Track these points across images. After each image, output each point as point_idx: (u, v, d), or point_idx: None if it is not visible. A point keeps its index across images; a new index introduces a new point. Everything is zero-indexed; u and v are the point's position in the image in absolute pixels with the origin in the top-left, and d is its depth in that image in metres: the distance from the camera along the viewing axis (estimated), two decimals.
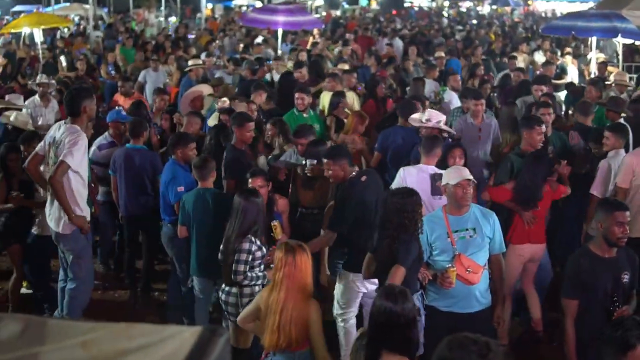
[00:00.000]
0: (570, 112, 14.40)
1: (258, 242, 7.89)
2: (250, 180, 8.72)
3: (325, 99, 14.64)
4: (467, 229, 7.54)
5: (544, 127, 10.15)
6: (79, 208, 8.66)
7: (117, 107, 13.91)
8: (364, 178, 8.74)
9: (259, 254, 7.89)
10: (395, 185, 9.03)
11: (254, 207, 7.88)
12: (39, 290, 10.46)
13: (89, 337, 2.72)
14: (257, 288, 7.82)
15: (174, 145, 9.89)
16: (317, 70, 17.53)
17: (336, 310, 8.70)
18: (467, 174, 7.62)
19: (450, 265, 7.28)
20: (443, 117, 10.88)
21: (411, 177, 9.32)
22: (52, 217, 8.73)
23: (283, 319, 6.31)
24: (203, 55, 21.11)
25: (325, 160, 8.77)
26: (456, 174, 7.64)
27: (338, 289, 8.71)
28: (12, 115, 12.20)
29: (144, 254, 11.21)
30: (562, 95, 16.95)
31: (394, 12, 54.69)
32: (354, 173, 8.78)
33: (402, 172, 9.54)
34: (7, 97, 14.27)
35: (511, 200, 9.26)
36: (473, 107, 12.20)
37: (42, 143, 8.99)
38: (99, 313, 10.43)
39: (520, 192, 9.21)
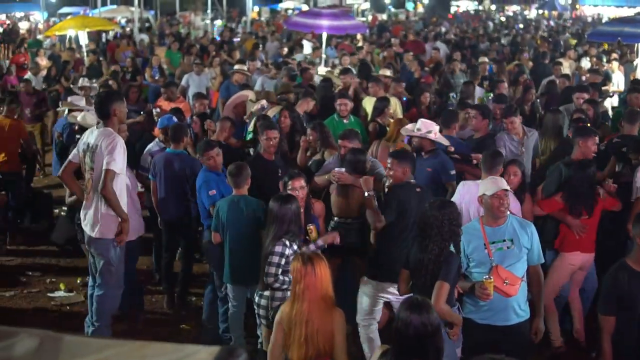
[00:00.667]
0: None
1: (295, 247, 7.81)
2: (289, 182, 8.62)
3: (368, 104, 14.51)
4: (504, 240, 7.40)
5: (598, 137, 10.01)
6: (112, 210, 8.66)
7: (156, 110, 14.08)
8: (419, 189, 8.73)
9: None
10: (453, 199, 8.85)
11: (288, 212, 7.82)
12: None
13: (104, 355, 2.70)
14: (289, 293, 7.71)
15: (201, 153, 9.94)
16: (366, 74, 17.35)
17: (359, 317, 8.70)
18: (503, 184, 7.50)
19: (487, 276, 7.12)
20: (435, 128, 10.52)
21: (470, 194, 9.01)
22: (88, 222, 8.70)
23: (310, 331, 6.23)
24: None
25: (389, 160, 8.85)
26: (493, 184, 7.51)
27: (361, 296, 8.72)
28: (80, 116, 12.22)
29: (182, 259, 11.20)
30: (607, 103, 16.69)
31: (449, 15, 54.57)
32: (412, 181, 8.84)
33: (461, 187, 9.39)
34: (69, 98, 14.31)
35: (561, 210, 9.15)
36: (510, 126, 11.49)
37: (75, 150, 8.98)
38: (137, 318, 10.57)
39: (570, 201, 9.10)
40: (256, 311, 8.11)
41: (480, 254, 7.40)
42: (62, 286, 11.66)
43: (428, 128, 10.43)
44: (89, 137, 8.65)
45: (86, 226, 8.77)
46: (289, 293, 7.56)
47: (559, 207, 9.21)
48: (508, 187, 7.50)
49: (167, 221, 10.88)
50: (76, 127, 12.49)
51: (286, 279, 7.65)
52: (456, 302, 7.40)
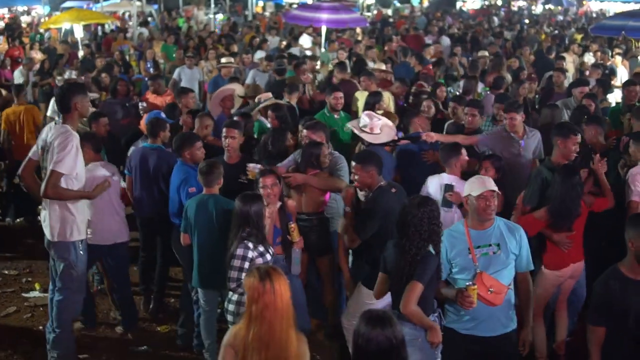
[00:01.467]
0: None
1: (260, 248, 7.45)
2: (260, 179, 8.24)
3: (360, 99, 14.13)
4: (490, 245, 6.89)
5: (579, 136, 9.20)
6: (74, 208, 8.20)
7: (142, 104, 13.70)
8: (394, 190, 8.27)
9: (259, 260, 7.42)
10: (421, 193, 8.58)
11: (250, 212, 7.46)
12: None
13: None
14: None
15: (181, 147, 9.48)
16: (360, 69, 16.93)
17: (345, 317, 8.41)
18: (490, 184, 6.95)
19: (470, 283, 6.63)
20: (374, 123, 10.25)
21: (431, 187, 9.03)
22: (46, 225, 8.25)
23: (270, 356, 5.41)
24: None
25: (353, 164, 8.35)
26: (479, 184, 6.96)
27: (352, 299, 8.36)
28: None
29: (158, 259, 10.68)
30: (612, 98, 16.21)
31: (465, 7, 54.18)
32: (382, 183, 8.30)
33: (427, 180, 9.22)
34: None
35: (546, 227, 8.40)
36: (509, 122, 10.70)
37: (34, 147, 8.53)
38: (110, 321, 10.24)
39: (555, 217, 8.30)
40: (225, 315, 7.71)
41: (464, 259, 6.89)
42: (37, 286, 11.32)
43: (364, 122, 10.27)
44: (47, 134, 8.15)
45: (46, 229, 8.31)
46: None
47: (541, 226, 8.41)
48: (495, 188, 6.94)
49: (143, 218, 10.49)
50: None
51: None
52: (437, 309, 6.94)
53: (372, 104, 12.41)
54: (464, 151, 9.20)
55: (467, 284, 6.62)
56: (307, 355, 5.59)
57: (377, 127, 10.20)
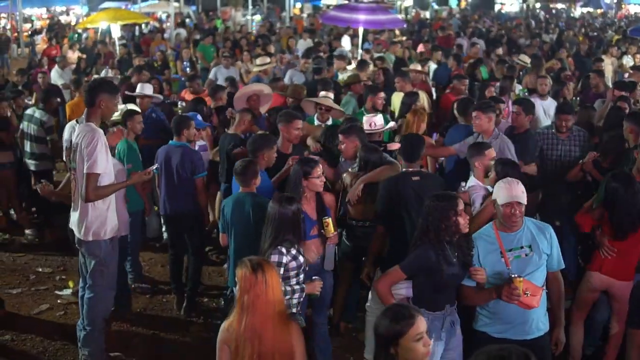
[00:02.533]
0: None
1: (293, 252, 7.29)
2: (312, 171, 8.07)
3: (396, 99, 14.06)
4: (522, 247, 6.77)
5: None
6: (106, 206, 8.14)
7: (182, 103, 13.71)
8: (417, 177, 8.36)
9: (293, 264, 7.25)
10: None
11: (286, 214, 7.26)
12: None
13: None
14: (294, 301, 7.23)
15: (258, 149, 9.20)
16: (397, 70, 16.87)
17: (369, 303, 8.37)
18: (518, 194, 6.76)
19: (515, 275, 6.47)
20: (373, 119, 10.30)
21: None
22: (77, 225, 8.18)
23: (263, 349, 5.41)
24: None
25: (340, 136, 8.95)
26: (507, 193, 6.79)
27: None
28: None
29: (189, 256, 10.68)
30: None
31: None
32: (411, 169, 8.49)
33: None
34: None
35: (599, 225, 8.20)
36: (473, 120, 10.48)
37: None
38: (144, 320, 10.25)
39: (617, 219, 8.00)
40: None
41: (497, 263, 6.77)
42: (71, 284, 11.28)
43: (366, 121, 10.38)
44: (71, 134, 8.09)
45: (75, 228, 8.27)
46: (294, 301, 7.16)
47: (592, 224, 8.27)
48: (522, 200, 6.77)
49: (169, 216, 10.49)
50: None
51: (287, 288, 7.11)
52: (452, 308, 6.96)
53: (409, 104, 12.37)
54: (489, 152, 8.93)
55: (513, 275, 6.47)
56: (301, 345, 5.59)
57: (378, 121, 10.27)
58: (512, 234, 6.81)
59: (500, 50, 22.78)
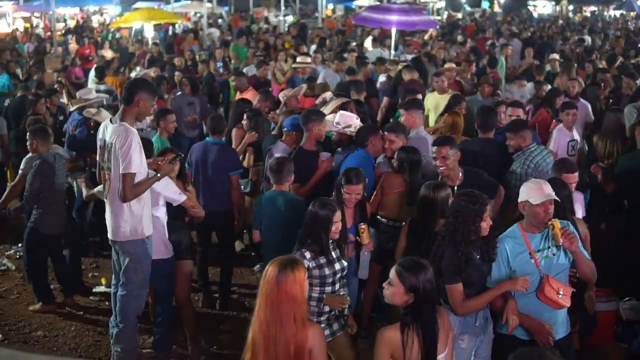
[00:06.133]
0: None
1: (321, 260, 7.02)
2: (345, 186, 7.98)
3: (430, 100, 13.99)
4: (549, 247, 6.73)
5: None
6: (140, 205, 8.07)
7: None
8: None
9: (316, 272, 6.96)
10: None
11: (320, 218, 7.04)
12: None
13: None
14: (312, 308, 6.94)
15: (366, 136, 9.54)
16: (418, 69, 16.81)
17: None
18: (550, 192, 6.73)
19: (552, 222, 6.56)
20: (356, 122, 10.13)
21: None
22: (111, 225, 8.12)
23: (278, 347, 5.30)
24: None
25: (385, 133, 8.87)
26: (538, 191, 6.73)
27: None
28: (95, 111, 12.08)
29: (221, 253, 10.81)
30: None
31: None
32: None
33: None
34: (78, 93, 14.21)
35: None
36: (565, 117, 11.01)
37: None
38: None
39: None
40: None
41: (526, 264, 6.71)
42: (103, 281, 11.34)
43: (347, 122, 10.10)
44: (104, 133, 8.03)
45: (109, 227, 8.21)
46: (310, 308, 6.82)
47: None
48: (554, 196, 6.73)
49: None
50: (92, 123, 12.35)
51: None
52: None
53: (454, 105, 12.46)
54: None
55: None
56: (321, 349, 5.49)
57: (352, 127, 10.11)
58: (539, 234, 6.77)
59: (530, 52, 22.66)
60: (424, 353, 5.54)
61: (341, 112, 10.42)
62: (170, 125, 11.24)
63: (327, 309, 7.02)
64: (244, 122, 11.57)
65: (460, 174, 8.48)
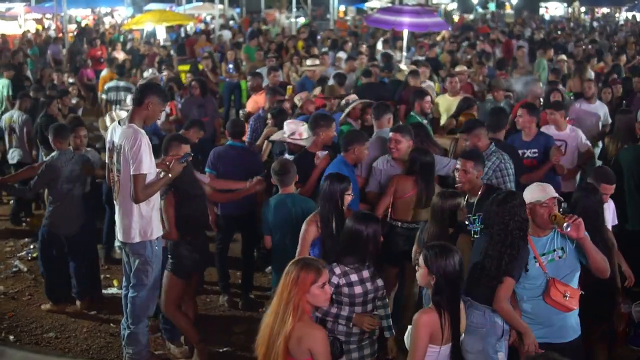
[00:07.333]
0: None
1: (353, 277, 6.70)
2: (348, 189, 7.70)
3: (442, 102, 13.96)
4: (554, 250, 6.73)
5: None
6: (149, 207, 8.06)
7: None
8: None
9: (346, 290, 6.68)
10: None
11: (360, 233, 6.72)
12: None
13: None
14: (339, 327, 6.76)
15: (349, 142, 9.23)
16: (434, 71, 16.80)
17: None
18: (552, 190, 6.79)
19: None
20: (300, 128, 10.09)
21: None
22: (121, 227, 8.14)
23: (280, 346, 5.33)
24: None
25: (462, 160, 8.30)
26: (540, 192, 6.78)
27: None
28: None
29: (242, 255, 10.95)
30: None
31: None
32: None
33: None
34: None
35: None
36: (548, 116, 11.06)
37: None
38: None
39: None
40: None
41: (532, 268, 6.70)
42: (115, 283, 11.38)
43: (292, 130, 10.08)
44: (113, 135, 8.05)
45: (118, 230, 8.23)
46: (339, 327, 6.75)
47: None
48: (556, 195, 6.78)
49: (226, 217, 10.62)
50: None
51: (333, 310, 6.69)
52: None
53: (466, 108, 12.47)
54: None
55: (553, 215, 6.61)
56: (325, 355, 5.45)
57: (304, 132, 10.06)
58: (544, 237, 6.79)
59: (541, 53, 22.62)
60: (453, 332, 5.77)
61: (287, 122, 10.37)
62: (194, 136, 11.16)
63: (356, 330, 6.76)
64: (269, 120, 11.68)
65: (482, 190, 8.29)
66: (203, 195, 8.94)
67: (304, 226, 7.64)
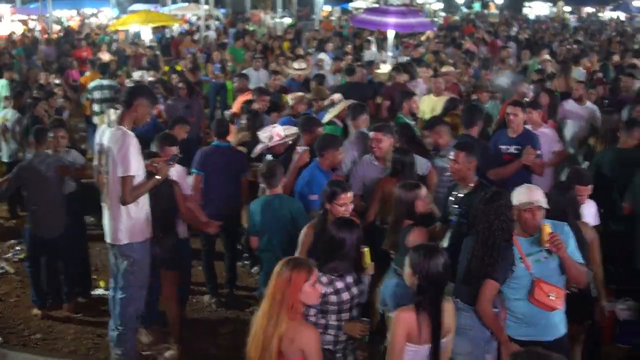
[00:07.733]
0: None
1: (339, 284, 6.54)
2: (342, 195, 7.48)
3: (425, 102, 13.97)
4: (540, 251, 6.72)
5: None
6: (138, 209, 8.10)
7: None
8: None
9: (333, 298, 6.51)
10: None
11: (341, 241, 6.57)
12: None
13: None
14: (327, 337, 6.58)
15: (323, 147, 9.14)
16: (411, 72, 16.81)
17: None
18: (538, 198, 6.76)
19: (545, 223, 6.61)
20: (274, 131, 10.13)
21: None
22: (109, 229, 8.17)
23: (272, 345, 5.36)
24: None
25: (455, 151, 8.46)
26: (526, 196, 6.78)
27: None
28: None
29: (225, 254, 11.01)
30: None
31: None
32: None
33: None
34: None
35: None
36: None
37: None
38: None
39: None
40: None
41: (517, 268, 6.72)
42: (101, 284, 11.34)
43: (269, 136, 10.12)
44: (102, 138, 8.11)
45: (107, 231, 8.26)
46: (327, 337, 6.58)
47: None
48: (544, 204, 6.75)
49: (211, 215, 10.37)
50: None
51: (322, 321, 6.54)
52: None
53: (452, 108, 12.52)
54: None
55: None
56: (317, 355, 5.49)
57: (281, 131, 10.12)
58: (530, 238, 6.79)
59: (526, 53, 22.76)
60: (432, 333, 5.78)
61: (259, 132, 10.35)
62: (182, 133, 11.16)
63: (343, 337, 6.66)
64: (242, 121, 11.72)
65: (474, 184, 8.37)
66: (172, 195, 8.99)
67: (303, 230, 7.67)
